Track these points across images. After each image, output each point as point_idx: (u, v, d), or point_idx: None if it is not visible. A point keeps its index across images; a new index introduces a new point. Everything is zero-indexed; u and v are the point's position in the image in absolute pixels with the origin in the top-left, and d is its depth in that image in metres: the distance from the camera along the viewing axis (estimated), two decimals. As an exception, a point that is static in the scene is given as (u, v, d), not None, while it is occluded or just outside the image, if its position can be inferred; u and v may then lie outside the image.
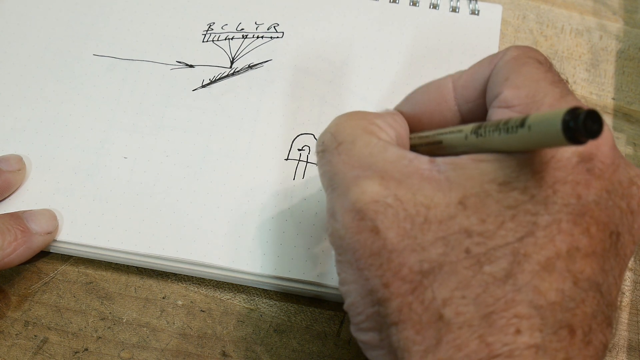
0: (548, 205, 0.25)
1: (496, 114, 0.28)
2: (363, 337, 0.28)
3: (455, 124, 0.32)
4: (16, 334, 0.39)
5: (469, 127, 0.28)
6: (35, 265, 0.41)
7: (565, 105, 0.26)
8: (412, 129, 0.33)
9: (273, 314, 0.40)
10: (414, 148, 0.32)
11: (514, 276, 0.24)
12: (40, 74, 0.47)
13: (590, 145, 0.26)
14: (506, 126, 0.25)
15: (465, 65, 0.46)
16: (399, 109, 0.34)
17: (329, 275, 0.39)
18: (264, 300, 0.40)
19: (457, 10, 0.49)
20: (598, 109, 0.46)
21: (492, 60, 0.30)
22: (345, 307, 0.29)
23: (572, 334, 0.24)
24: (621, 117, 0.46)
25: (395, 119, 0.32)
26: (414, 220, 0.25)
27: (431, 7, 0.49)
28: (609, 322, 0.26)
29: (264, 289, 0.40)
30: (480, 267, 0.24)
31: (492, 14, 0.48)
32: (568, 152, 0.25)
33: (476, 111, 0.31)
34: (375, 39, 0.48)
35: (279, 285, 0.40)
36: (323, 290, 0.39)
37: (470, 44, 0.47)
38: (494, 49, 0.47)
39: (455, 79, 0.32)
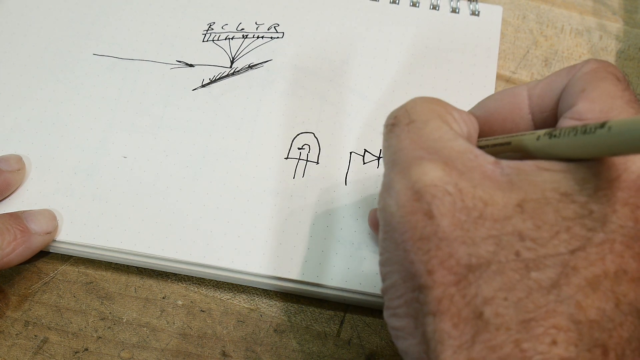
0: (605, 224, 0.25)
1: (567, 125, 0.27)
2: (397, 323, 0.28)
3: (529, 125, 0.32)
4: (16, 334, 0.39)
5: (542, 131, 0.27)
6: (35, 265, 0.41)
7: None
8: (482, 134, 0.33)
9: (273, 314, 0.40)
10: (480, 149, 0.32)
11: (559, 287, 0.24)
12: (40, 74, 0.47)
13: None
14: (584, 128, 0.25)
15: (465, 66, 0.46)
16: (471, 113, 0.34)
17: (328, 276, 0.39)
18: (264, 300, 0.40)
19: (457, 11, 0.49)
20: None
21: (569, 71, 0.30)
22: (382, 289, 0.29)
23: (605, 355, 0.24)
24: (621, 118, 0.46)
25: (469, 118, 0.31)
26: (469, 213, 0.25)
27: (432, 7, 0.49)
28: None
29: (264, 289, 0.40)
30: (527, 272, 0.24)
31: (493, 15, 0.48)
32: (634, 175, 0.25)
33: (550, 122, 0.31)
34: (376, 40, 0.48)
35: (279, 285, 0.40)
36: (323, 290, 0.39)
37: (471, 44, 0.47)
38: (495, 50, 0.47)
39: (530, 87, 0.32)
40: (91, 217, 0.41)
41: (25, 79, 0.47)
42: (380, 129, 0.44)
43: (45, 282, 0.41)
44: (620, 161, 0.25)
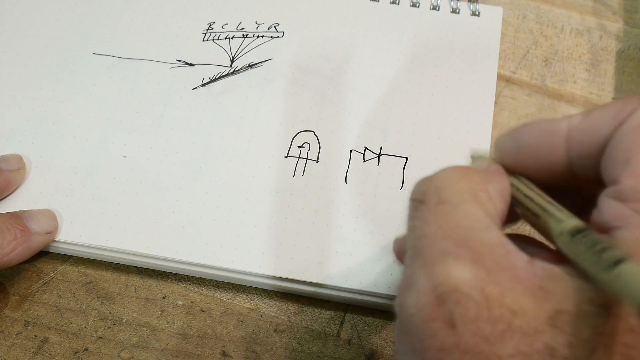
0: None
1: (607, 206, 0.25)
2: None
3: (564, 176, 0.28)
4: (16, 334, 0.39)
5: (570, 223, 0.24)
6: (35, 265, 0.41)
7: None
8: (514, 168, 0.29)
9: (273, 314, 0.40)
10: (513, 200, 0.28)
11: None
12: (41, 73, 0.47)
13: None
14: (600, 256, 0.22)
15: (465, 66, 0.46)
16: (502, 144, 0.30)
17: (328, 275, 0.39)
18: (264, 300, 0.40)
19: (457, 11, 0.49)
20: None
21: (616, 116, 0.26)
22: None
23: None
24: (621, 118, 0.46)
25: (503, 186, 0.28)
26: (495, 325, 0.22)
27: (432, 8, 0.49)
28: None
29: (264, 289, 0.40)
30: None
31: (493, 16, 0.48)
32: None
33: (591, 169, 0.27)
34: (376, 40, 0.48)
35: (279, 285, 0.40)
36: (323, 290, 0.39)
37: (471, 45, 0.47)
38: (495, 51, 0.47)
39: (572, 126, 0.27)
40: (91, 216, 0.41)
41: (25, 78, 0.47)
42: (380, 126, 0.44)
43: (45, 282, 0.41)
44: None
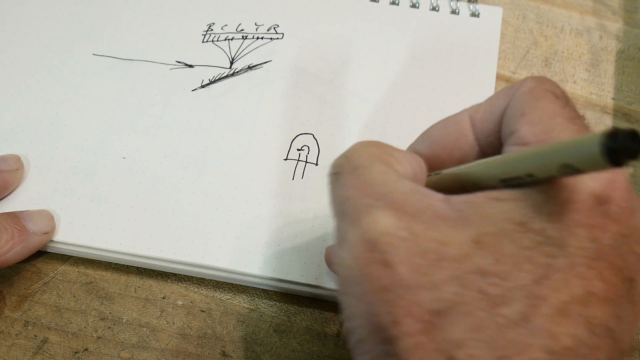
0: (564, 248, 0.24)
1: (511, 152, 0.27)
2: None
3: (476, 159, 0.31)
4: (16, 334, 0.39)
5: (480, 161, 0.27)
6: (35, 265, 0.41)
7: None
8: (432, 168, 0.32)
9: (273, 314, 0.40)
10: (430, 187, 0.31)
11: (529, 319, 0.23)
12: (40, 74, 0.47)
13: (607, 187, 0.25)
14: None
15: (465, 67, 0.46)
16: (414, 148, 0.33)
17: (327, 278, 0.39)
18: (264, 301, 0.40)
19: (457, 12, 0.49)
20: (597, 109, 0.46)
21: (508, 92, 0.29)
22: (351, 345, 0.28)
23: None
24: (621, 117, 0.46)
25: (413, 157, 0.30)
26: (427, 257, 0.24)
27: (431, 9, 0.49)
28: None
29: (264, 289, 0.40)
30: (494, 309, 0.23)
31: (493, 16, 0.48)
32: (585, 194, 0.25)
33: (496, 145, 0.30)
34: (376, 41, 0.48)
35: (279, 285, 0.40)
36: (322, 292, 0.39)
37: (471, 45, 0.47)
38: (494, 51, 0.47)
39: (472, 112, 0.31)
40: (90, 217, 0.41)
41: (24, 78, 0.47)
42: (379, 129, 0.44)
43: (45, 282, 0.41)
44: (569, 182, 0.25)
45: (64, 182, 0.43)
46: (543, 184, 0.25)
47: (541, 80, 0.29)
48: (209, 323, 0.39)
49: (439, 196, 0.26)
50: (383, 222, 0.25)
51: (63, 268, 0.41)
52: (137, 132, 0.44)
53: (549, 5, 0.50)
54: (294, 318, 0.39)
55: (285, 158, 0.43)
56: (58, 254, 0.42)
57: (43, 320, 0.39)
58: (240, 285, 0.40)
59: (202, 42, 0.48)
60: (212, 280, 0.41)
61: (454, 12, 0.49)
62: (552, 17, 0.50)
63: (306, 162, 0.43)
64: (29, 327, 0.39)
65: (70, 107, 0.46)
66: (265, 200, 0.42)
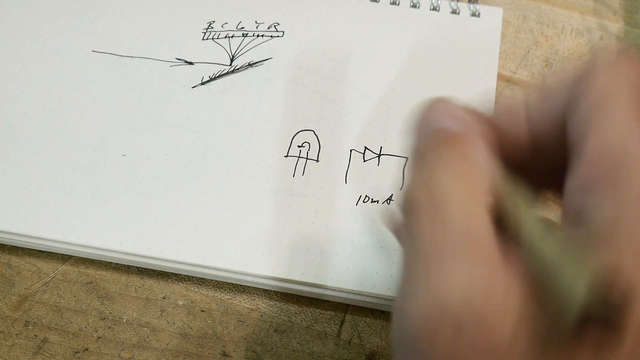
0: None
1: (572, 198, 0.23)
2: None
3: (528, 155, 0.26)
4: (16, 334, 0.39)
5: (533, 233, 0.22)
6: (36, 265, 0.41)
7: None
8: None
9: (273, 314, 0.40)
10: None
11: None
12: (39, 70, 0.47)
13: None
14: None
15: (466, 66, 0.46)
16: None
17: (328, 276, 0.39)
18: (265, 301, 0.40)
19: (457, 12, 0.49)
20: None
21: (572, 84, 0.24)
22: None
23: None
24: (621, 119, 0.46)
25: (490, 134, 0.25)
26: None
27: (432, 9, 0.49)
28: None
29: (264, 289, 0.40)
30: None
31: (493, 16, 0.48)
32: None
33: (556, 144, 0.25)
34: (376, 40, 0.48)
35: (279, 285, 0.40)
36: (323, 291, 0.39)
37: (471, 45, 0.47)
38: (495, 51, 0.47)
39: (529, 99, 0.26)
40: (90, 216, 0.41)
41: (23, 74, 0.46)
42: (380, 126, 0.44)
43: (46, 282, 0.41)
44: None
45: (63, 180, 0.42)
46: None
47: (616, 65, 0.23)
48: (209, 323, 0.39)
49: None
50: (459, 281, 0.21)
51: (63, 268, 0.41)
52: (137, 129, 0.44)
53: (550, 5, 0.50)
54: (294, 318, 0.40)
55: (286, 155, 0.43)
56: (58, 253, 0.41)
57: (43, 320, 0.39)
58: (241, 285, 0.41)
59: (203, 39, 0.48)
60: (212, 280, 0.41)
61: (454, 12, 0.49)
62: (553, 17, 0.50)
63: (307, 158, 0.43)
64: (30, 327, 0.39)
65: (69, 104, 0.45)
66: (266, 197, 0.42)
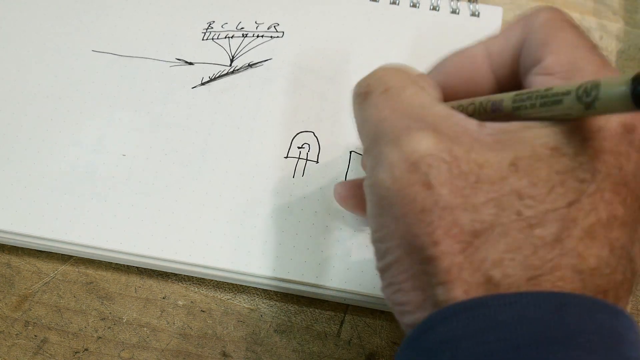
0: (595, 174, 0.25)
1: (536, 82, 0.28)
2: (402, 298, 0.27)
3: (492, 91, 0.32)
4: (16, 334, 0.39)
5: (508, 97, 0.27)
6: (35, 266, 0.41)
7: (607, 74, 0.26)
8: (445, 99, 0.32)
9: (273, 314, 0.40)
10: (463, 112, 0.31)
11: (561, 240, 0.24)
12: (39, 70, 0.47)
13: (634, 118, 0.26)
14: (548, 98, 0.25)
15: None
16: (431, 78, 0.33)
17: (328, 277, 0.39)
18: (265, 301, 0.40)
19: (457, 12, 0.49)
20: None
21: (523, 24, 0.30)
22: (382, 266, 0.28)
23: (605, 298, 0.25)
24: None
25: (435, 83, 0.30)
26: (467, 179, 0.25)
27: (431, 8, 0.49)
28: (631, 289, 0.26)
29: (264, 289, 0.40)
30: (530, 231, 0.24)
31: (493, 16, 0.48)
32: (615, 123, 0.25)
33: (512, 78, 0.31)
34: (376, 40, 0.48)
35: (279, 285, 0.40)
36: (323, 291, 0.39)
37: (471, 45, 0.47)
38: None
39: (488, 45, 0.31)
40: (90, 216, 0.41)
41: (23, 74, 0.46)
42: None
43: (46, 282, 0.41)
44: None
45: (63, 180, 0.42)
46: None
47: (556, 10, 0.29)
48: (209, 323, 0.39)
49: (474, 122, 0.27)
50: (425, 143, 0.25)
51: (63, 268, 0.41)
52: (136, 129, 0.44)
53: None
54: (294, 318, 0.40)
55: (285, 156, 0.43)
56: (58, 253, 0.41)
57: (43, 320, 0.39)
58: (241, 285, 0.41)
59: (202, 39, 0.48)
60: (212, 280, 0.41)
61: (454, 11, 0.49)
62: (553, 17, 0.50)
63: (307, 160, 0.43)
64: (29, 327, 0.39)
65: (69, 103, 0.45)
66: (265, 198, 0.42)
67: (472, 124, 0.27)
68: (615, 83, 0.22)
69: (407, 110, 0.27)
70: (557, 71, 0.27)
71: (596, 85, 0.23)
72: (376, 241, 0.28)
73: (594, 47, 0.28)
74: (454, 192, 0.25)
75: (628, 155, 0.26)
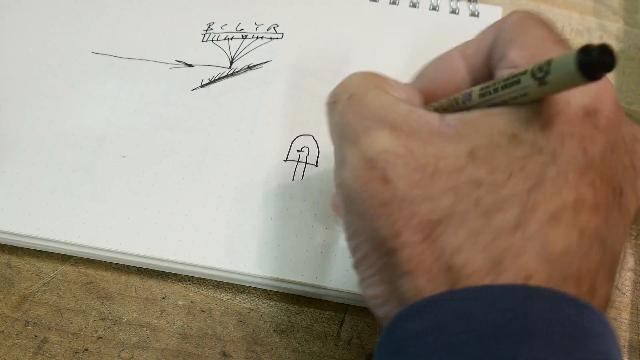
0: (556, 158, 0.25)
1: (503, 75, 0.28)
2: (373, 291, 0.28)
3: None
4: (16, 334, 0.39)
5: (476, 88, 0.28)
6: (35, 266, 0.41)
7: None
8: (428, 102, 0.33)
9: (273, 314, 0.40)
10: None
11: (523, 226, 0.24)
12: (39, 71, 0.47)
13: (595, 100, 0.26)
14: (508, 80, 0.25)
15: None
16: (412, 85, 0.34)
17: (327, 278, 0.39)
18: (264, 301, 0.40)
19: (457, 12, 0.49)
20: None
21: (495, 26, 0.31)
22: (354, 263, 0.29)
23: (579, 285, 0.24)
24: (620, 118, 0.46)
25: (407, 86, 0.32)
26: (424, 170, 0.26)
27: (431, 8, 0.49)
28: (612, 276, 0.26)
29: (264, 289, 0.40)
30: (489, 217, 0.25)
31: (492, 16, 0.48)
32: (574, 106, 0.25)
33: (488, 76, 0.31)
34: (375, 41, 0.48)
35: (279, 285, 0.40)
36: (322, 291, 0.39)
37: (470, 44, 0.47)
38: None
39: (463, 48, 0.32)
40: (90, 217, 0.41)
41: (23, 75, 0.47)
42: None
43: (46, 282, 0.41)
44: (560, 96, 0.25)
45: (63, 181, 0.43)
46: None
47: (527, 12, 0.30)
48: (209, 323, 0.39)
49: (435, 115, 0.27)
50: (381, 141, 0.26)
51: (63, 268, 0.41)
52: (136, 131, 0.44)
53: (549, 5, 0.50)
54: (294, 318, 0.40)
55: (285, 159, 0.43)
56: (58, 254, 0.42)
57: (43, 320, 0.39)
58: (241, 285, 0.40)
59: (202, 41, 0.48)
60: (212, 280, 0.41)
61: (453, 11, 0.49)
62: (552, 17, 0.50)
63: (306, 163, 0.43)
64: (29, 327, 0.39)
65: (69, 104, 0.46)
66: (265, 200, 0.42)
67: (433, 118, 0.27)
68: (565, 56, 0.23)
69: (367, 112, 0.28)
70: (521, 64, 0.27)
71: (548, 62, 0.23)
72: (348, 239, 0.30)
73: (561, 41, 0.28)
74: (411, 184, 0.25)
75: (593, 137, 0.26)
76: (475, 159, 0.25)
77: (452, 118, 0.27)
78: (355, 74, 0.31)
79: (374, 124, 0.27)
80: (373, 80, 0.30)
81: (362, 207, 0.27)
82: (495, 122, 0.26)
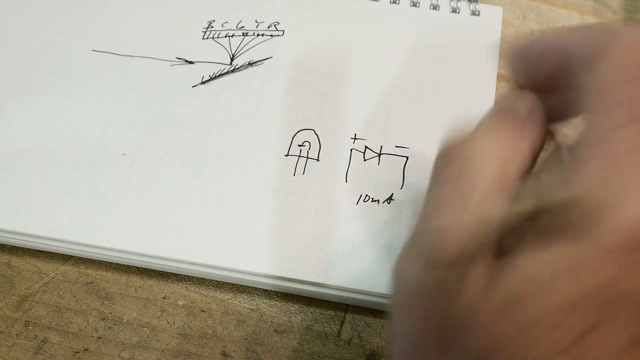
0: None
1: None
2: None
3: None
4: (16, 334, 0.39)
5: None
6: (36, 265, 0.41)
7: None
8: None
9: (273, 314, 0.40)
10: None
11: None
12: (39, 69, 0.47)
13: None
14: None
15: (465, 66, 0.46)
16: (514, 65, 0.27)
17: (329, 275, 0.39)
18: (265, 301, 0.40)
19: (457, 11, 0.49)
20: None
21: (590, 37, 0.22)
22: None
23: None
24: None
25: (537, 138, 0.25)
26: None
27: (432, 8, 0.49)
28: None
29: (264, 289, 0.40)
30: None
31: (493, 16, 0.48)
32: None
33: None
34: (376, 39, 0.48)
35: (280, 285, 0.40)
36: (323, 290, 0.39)
37: (471, 44, 0.47)
38: (495, 51, 0.47)
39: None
40: (90, 215, 0.41)
41: (23, 73, 0.46)
42: (380, 125, 0.44)
43: (46, 282, 0.41)
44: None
45: (63, 179, 0.42)
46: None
47: (633, 55, 0.21)
48: (209, 323, 0.39)
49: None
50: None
51: (63, 268, 0.41)
52: (137, 128, 0.44)
53: (550, 5, 0.50)
54: (294, 318, 0.40)
55: (286, 154, 0.43)
56: (58, 253, 0.41)
57: (43, 320, 0.39)
58: (241, 285, 0.41)
59: (203, 38, 0.48)
60: (212, 280, 0.41)
61: (454, 11, 0.49)
62: (553, 17, 0.50)
63: (307, 157, 0.43)
64: (30, 327, 0.39)
65: (69, 102, 0.45)
66: (266, 197, 0.42)
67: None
68: None
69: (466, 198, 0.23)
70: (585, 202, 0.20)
71: None
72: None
73: None
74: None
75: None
76: None
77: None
78: (486, 128, 0.25)
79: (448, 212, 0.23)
80: (501, 151, 0.24)
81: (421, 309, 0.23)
82: None
